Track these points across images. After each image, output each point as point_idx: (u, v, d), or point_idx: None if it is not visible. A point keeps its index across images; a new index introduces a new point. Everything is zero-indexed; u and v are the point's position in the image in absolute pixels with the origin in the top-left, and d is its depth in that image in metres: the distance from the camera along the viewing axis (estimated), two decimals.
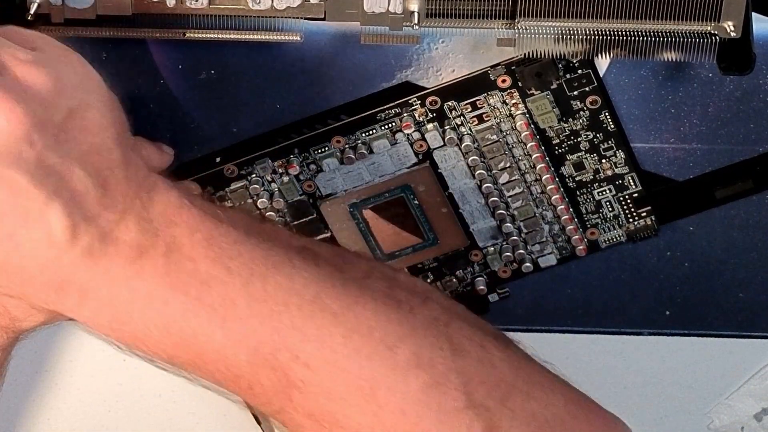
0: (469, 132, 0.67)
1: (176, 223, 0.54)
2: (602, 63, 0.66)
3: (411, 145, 0.67)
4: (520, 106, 0.66)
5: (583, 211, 0.70)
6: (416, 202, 0.69)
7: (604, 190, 0.69)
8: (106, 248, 0.52)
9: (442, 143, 0.67)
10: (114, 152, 0.54)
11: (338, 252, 0.58)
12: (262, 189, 0.68)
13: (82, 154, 0.53)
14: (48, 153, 0.51)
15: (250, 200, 0.68)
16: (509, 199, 0.69)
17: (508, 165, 0.68)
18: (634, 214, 0.70)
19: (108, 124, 0.54)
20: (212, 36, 0.61)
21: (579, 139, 0.67)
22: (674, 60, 0.61)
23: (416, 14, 0.59)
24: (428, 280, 0.71)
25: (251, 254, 0.54)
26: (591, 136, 0.67)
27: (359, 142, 0.67)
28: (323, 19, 0.60)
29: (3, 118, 0.50)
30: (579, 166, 0.68)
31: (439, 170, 0.68)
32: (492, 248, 0.70)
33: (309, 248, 0.57)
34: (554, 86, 0.66)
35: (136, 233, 0.53)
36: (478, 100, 0.66)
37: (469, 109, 0.66)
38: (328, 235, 0.69)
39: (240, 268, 0.54)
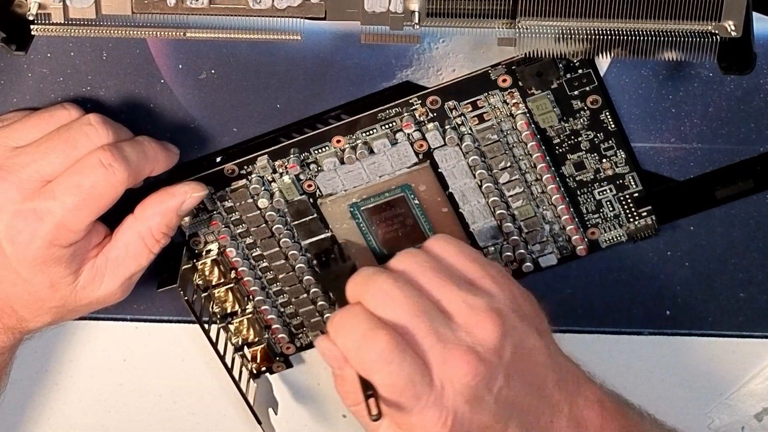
0: (470, 132, 0.67)
1: (598, 414, 0.63)
2: (602, 63, 0.66)
3: (411, 144, 0.67)
4: (520, 105, 0.66)
5: (584, 210, 0.70)
6: (416, 201, 0.69)
7: (605, 190, 0.69)
8: None
9: (443, 143, 0.67)
10: (546, 366, 0.62)
11: None
12: (262, 189, 0.68)
13: (525, 379, 0.61)
14: (502, 392, 0.60)
15: (250, 200, 0.68)
16: (509, 199, 0.69)
17: (508, 165, 0.68)
18: (635, 213, 0.70)
19: (542, 344, 0.62)
20: (212, 36, 0.61)
21: (579, 139, 0.67)
22: (675, 60, 0.61)
23: (417, 14, 0.59)
24: None
25: None
26: (591, 136, 0.67)
27: (359, 141, 0.67)
28: (323, 19, 0.60)
29: (461, 369, 0.59)
30: (579, 166, 0.68)
31: (440, 170, 0.68)
32: (492, 248, 0.70)
33: None
34: (555, 86, 0.66)
35: (567, 429, 0.62)
36: (478, 99, 0.66)
37: (470, 109, 0.66)
38: (329, 234, 0.70)
39: None
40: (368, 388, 0.59)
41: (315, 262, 0.70)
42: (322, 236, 0.69)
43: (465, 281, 0.62)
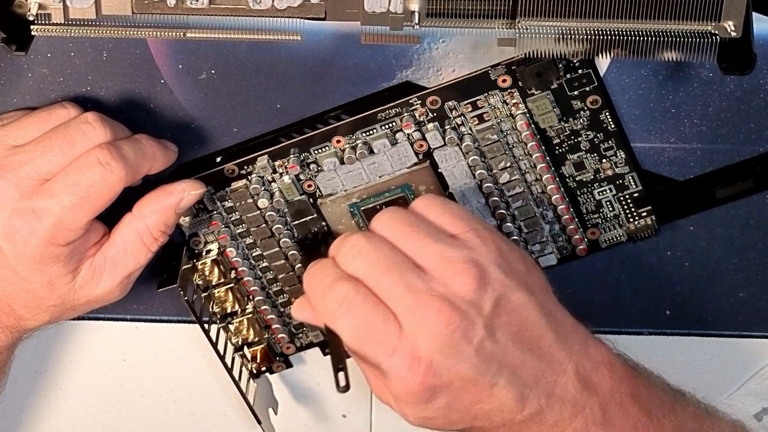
0: (470, 132, 0.67)
1: (607, 376, 0.61)
2: (602, 63, 0.66)
3: (411, 144, 0.67)
4: (520, 105, 0.66)
5: (584, 210, 0.70)
6: None
7: (605, 190, 0.69)
8: (552, 406, 0.60)
9: (443, 143, 0.67)
10: (540, 323, 0.61)
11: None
12: (262, 189, 0.68)
13: (513, 334, 0.60)
14: (484, 344, 0.59)
15: (250, 200, 0.68)
16: (509, 199, 0.69)
17: (508, 165, 0.68)
18: (635, 213, 0.70)
19: (531, 300, 0.61)
20: (212, 36, 0.61)
21: (579, 139, 0.67)
22: (674, 60, 0.61)
23: (417, 14, 0.59)
24: None
25: (660, 398, 0.63)
26: (591, 136, 0.67)
27: (359, 141, 0.67)
28: (324, 19, 0.60)
29: (431, 318, 0.58)
30: (579, 166, 0.68)
31: (440, 170, 0.68)
32: None
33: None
34: (554, 86, 0.66)
35: (574, 390, 0.60)
36: (478, 99, 0.66)
37: (470, 109, 0.66)
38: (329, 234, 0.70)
39: (656, 411, 0.62)
40: (339, 363, 0.59)
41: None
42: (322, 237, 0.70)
43: (447, 236, 0.61)
